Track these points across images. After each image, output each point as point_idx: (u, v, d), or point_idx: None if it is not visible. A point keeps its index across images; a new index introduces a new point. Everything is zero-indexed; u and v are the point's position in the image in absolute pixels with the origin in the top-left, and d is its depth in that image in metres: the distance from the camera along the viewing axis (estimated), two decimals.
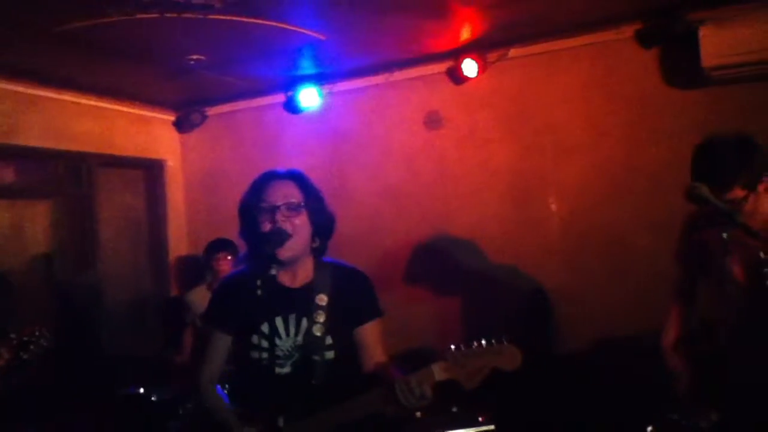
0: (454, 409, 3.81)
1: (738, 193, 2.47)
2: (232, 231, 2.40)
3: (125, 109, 5.59)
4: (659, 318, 2.98)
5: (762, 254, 2.30)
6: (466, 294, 4.80)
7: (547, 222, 4.64)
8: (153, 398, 4.17)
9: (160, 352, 4.71)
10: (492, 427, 3.61)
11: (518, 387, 4.05)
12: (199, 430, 2.67)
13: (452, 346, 2.03)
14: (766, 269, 2.27)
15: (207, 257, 4.63)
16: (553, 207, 4.62)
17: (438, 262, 4.94)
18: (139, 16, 3.55)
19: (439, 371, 2.02)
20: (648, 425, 2.78)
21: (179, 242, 6.01)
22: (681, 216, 2.86)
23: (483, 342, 2.03)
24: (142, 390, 4.23)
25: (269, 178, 2.28)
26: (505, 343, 2.03)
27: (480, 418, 3.64)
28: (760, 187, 2.51)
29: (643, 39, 4.30)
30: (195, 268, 5.42)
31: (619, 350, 3.89)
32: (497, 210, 4.78)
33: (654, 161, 4.23)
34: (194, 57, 4.46)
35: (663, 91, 4.28)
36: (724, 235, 2.14)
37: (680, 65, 4.16)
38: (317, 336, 2.23)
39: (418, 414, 3.76)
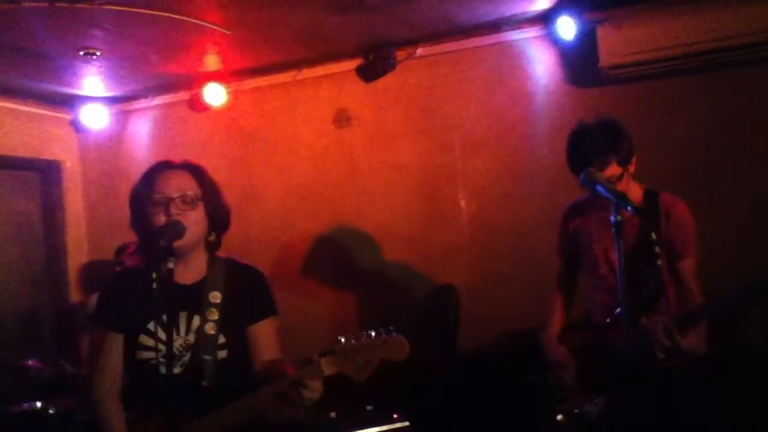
0: (369, 408, 3.80)
1: (615, 169, 2.64)
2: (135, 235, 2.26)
3: (15, 106, 5.26)
4: None
5: (653, 235, 2.38)
6: (377, 292, 4.78)
7: (456, 219, 4.68)
8: (51, 411, 3.93)
9: (56, 363, 4.45)
10: (407, 423, 3.61)
11: (429, 385, 4.10)
12: None
13: (341, 338, 1.99)
14: (657, 249, 2.34)
15: (116, 262, 4.42)
16: (462, 204, 4.67)
17: (347, 261, 4.89)
18: (25, 4, 3.33)
19: (327, 365, 1.96)
20: (557, 414, 2.85)
21: (79, 248, 5.70)
22: None
23: (372, 333, 1.99)
24: (39, 404, 3.97)
25: (163, 167, 2.17)
26: (392, 333, 2.00)
27: (395, 416, 3.64)
28: (630, 167, 2.71)
29: (545, 39, 4.40)
30: (99, 274, 5.17)
31: (526, 344, 3.96)
32: (406, 207, 4.79)
33: (556, 157, 4.31)
34: (90, 51, 4.24)
35: (564, 89, 4.40)
36: (619, 218, 2.21)
37: (581, 64, 4.27)
38: (210, 335, 2.13)
39: (333, 414, 3.73)
